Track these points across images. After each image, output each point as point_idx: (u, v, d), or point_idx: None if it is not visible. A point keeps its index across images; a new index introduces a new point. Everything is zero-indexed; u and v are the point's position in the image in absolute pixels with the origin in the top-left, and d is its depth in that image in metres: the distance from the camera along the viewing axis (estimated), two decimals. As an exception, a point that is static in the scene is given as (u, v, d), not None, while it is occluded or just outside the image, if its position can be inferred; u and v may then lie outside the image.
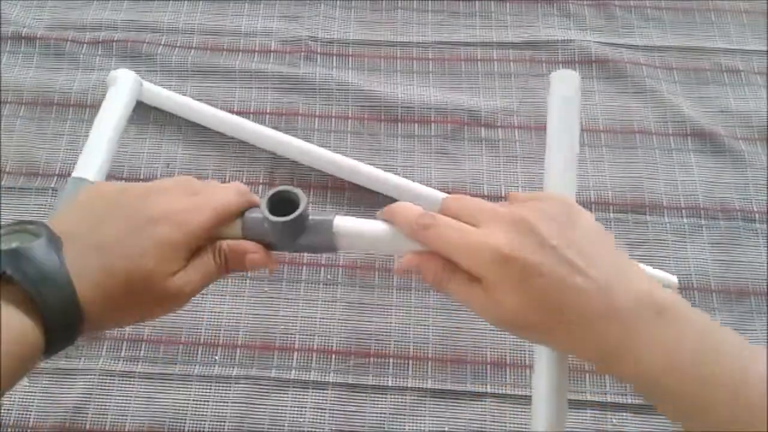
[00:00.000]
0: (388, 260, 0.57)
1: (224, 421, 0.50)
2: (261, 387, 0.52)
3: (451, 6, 0.71)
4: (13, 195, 0.59)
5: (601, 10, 0.70)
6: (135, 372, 0.52)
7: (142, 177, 0.61)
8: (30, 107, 0.64)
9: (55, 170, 0.61)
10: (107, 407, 0.51)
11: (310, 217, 0.34)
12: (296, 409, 0.51)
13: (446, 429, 0.50)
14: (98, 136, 0.46)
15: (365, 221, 0.35)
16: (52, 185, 0.60)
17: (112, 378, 0.52)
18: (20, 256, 0.27)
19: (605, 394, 0.51)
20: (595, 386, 0.52)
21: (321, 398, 0.51)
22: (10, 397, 0.51)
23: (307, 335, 0.54)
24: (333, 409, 0.51)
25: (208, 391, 0.51)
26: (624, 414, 0.51)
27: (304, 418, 0.51)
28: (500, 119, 0.64)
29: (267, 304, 0.55)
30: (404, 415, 0.51)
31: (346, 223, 0.34)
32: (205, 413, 0.51)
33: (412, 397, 0.51)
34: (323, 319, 0.54)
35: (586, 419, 0.51)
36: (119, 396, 0.51)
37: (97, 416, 0.50)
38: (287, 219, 0.33)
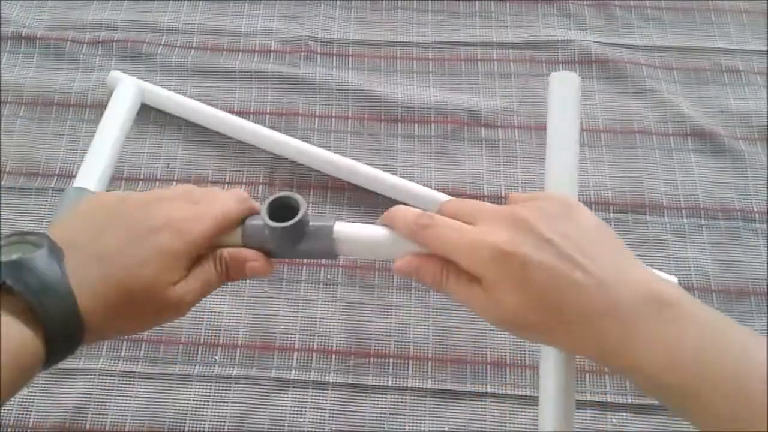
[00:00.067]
0: (388, 260, 0.56)
1: (224, 421, 0.50)
2: (261, 387, 0.52)
3: (451, 6, 0.71)
4: (13, 195, 0.59)
5: (601, 10, 0.70)
6: (135, 372, 0.52)
7: (142, 177, 0.61)
8: (30, 107, 0.64)
9: (55, 170, 0.61)
10: (107, 407, 0.51)
11: (311, 223, 0.34)
12: (296, 409, 0.51)
13: (446, 429, 0.50)
14: (100, 146, 0.46)
15: (365, 226, 0.35)
16: (52, 185, 0.60)
17: (112, 378, 0.52)
18: (22, 267, 0.27)
19: (605, 394, 0.51)
20: (595, 386, 0.52)
21: (321, 398, 0.51)
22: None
23: (307, 335, 0.54)
24: (333, 409, 0.51)
25: (208, 391, 0.51)
26: (624, 414, 0.51)
27: (304, 418, 0.51)
28: (500, 119, 0.64)
29: (267, 304, 0.55)
30: (404, 415, 0.51)
31: (346, 228, 0.34)
32: (205, 413, 0.51)
33: (412, 397, 0.51)
34: (323, 319, 0.54)
35: (586, 419, 0.51)
36: (119, 396, 0.51)
37: (97, 416, 0.50)
38: (287, 225, 0.33)
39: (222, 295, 0.55)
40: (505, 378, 0.52)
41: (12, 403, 0.51)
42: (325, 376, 0.52)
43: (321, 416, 0.51)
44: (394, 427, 0.50)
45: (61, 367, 0.52)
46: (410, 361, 0.53)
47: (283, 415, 0.51)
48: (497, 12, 0.70)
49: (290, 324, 0.54)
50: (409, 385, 0.52)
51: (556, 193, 0.36)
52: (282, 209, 0.34)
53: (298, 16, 0.70)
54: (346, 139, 0.63)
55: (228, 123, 0.61)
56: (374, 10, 0.70)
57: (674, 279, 0.55)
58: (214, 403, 0.51)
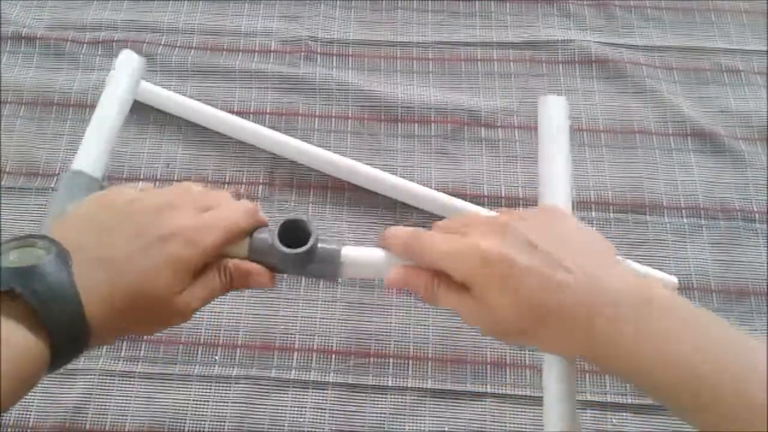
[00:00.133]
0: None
1: (224, 421, 0.50)
2: (261, 387, 0.52)
3: (451, 6, 0.71)
4: (13, 195, 0.59)
5: (601, 10, 0.70)
6: (135, 372, 0.52)
7: (142, 177, 0.61)
8: (30, 107, 0.64)
9: (55, 170, 0.61)
10: (107, 407, 0.51)
11: (320, 246, 0.35)
12: (296, 409, 0.51)
13: (446, 429, 0.50)
14: (99, 127, 0.44)
15: (371, 250, 0.36)
16: (52, 185, 0.60)
17: (112, 378, 0.52)
18: (31, 274, 0.26)
19: (605, 394, 0.51)
20: (595, 386, 0.52)
21: (321, 398, 0.51)
22: (10, 397, 0.51)
23: (307, 335, 0.54)
24: (333, 409, 0.51)
25: (208, 391, 0.51)
26: (624, 414, 0.51)
27: (304, 418, 0.51)
28: (500, 119, 0.64)
29: (267, 304, 0.55)
30: (404, 415, 0.51)
31: (353, 253, 0.35)
32: (205, 413, 0.51)
33: (412, 397, 0.51)
34: (323, 319, 0.54)
35: (586, 419, 0.51)
36: (119, 396, 0.51)
37: (97, 416, 0.50)
38: (299, 251, 0.33)
39: (222, 296, 0.55)
40: (505, 378, 0.52)
41: (12, 403, 0.51)
42: (325, 376, 0.52)
43: (321, 416, 0.51)
44: (394, 427, 0.50)
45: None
46: (410, 361, 0.53)
47: (283, 415, 0.51)
48: (497, 12, 0.70)
49: (290, 324, 0.54)
50: (409, 385, 0.52)
51: (545, 204, 0.37)
52: (292, 230, 0.34)
53: (298, 16, 0.70)
54: (346, 139, 0.63)
55: (228, 123, 0.61)
56: (374, 10, 0.70)
57: (674, 279, 0.55)
58: (214, 403, 0.51)
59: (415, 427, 0.50)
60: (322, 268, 0.35)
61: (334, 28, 0.69)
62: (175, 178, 0.61)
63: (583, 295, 0.29)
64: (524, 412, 0.51)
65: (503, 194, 0.60)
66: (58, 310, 0.27)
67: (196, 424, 0.50)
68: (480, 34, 0.69)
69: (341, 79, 0.65)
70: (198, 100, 0.63)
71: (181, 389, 0.51)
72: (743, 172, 0.61)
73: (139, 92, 0.62)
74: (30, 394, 0.51)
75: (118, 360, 0.52)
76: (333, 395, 0.51)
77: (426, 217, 0.58)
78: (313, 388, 0.52)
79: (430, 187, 0.58)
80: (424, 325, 0.54)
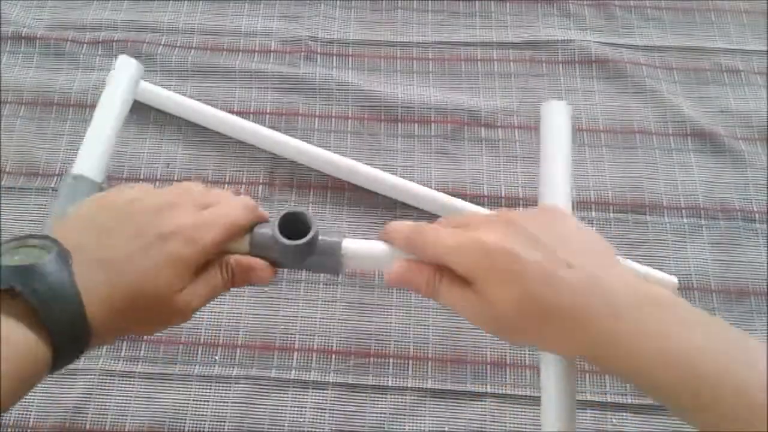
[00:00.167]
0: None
1: (224, 421, 0.50)
2: (261, 387, 0.52)
3: (451, 6, 0.71)
4: (13, 195, 0.59)
5: (601, 10, 0.70)
6: (135, 372, 0.52)
7: (142, 177, 0.61)
8: (30, 107, 0.64)
9: (55, 170, 0.61)
10: (107, 407, 0.51)
11: (320, 238, 0.35)
12: (296, 409, 0.51)
13: (446, 429, 0.50)
14: (99, 129, 0.44)
15: (372, 242, 0.36)
16: (52, 185, 0.60)
17: (112, 378, 0.52)
18: (31, 273, 0.26)
19: (605, 394, 0.51)
20: (595, 386, 0.52)
21: (321, 398, 0.51)
22: (10, 397, 0.51)
23: (307, 335, 0.54)
24: (333, 409, 0.51)
25: (208, 391, 0.51)
26: (624, 414, 0.51)
27: (304, 418, 0.51)
28: (500, 119, 0.64)
29: (267, 304, 0.55)
30: (404, 415, 0.51)
31: (353, 245, 0.35)
32: (205, 413, 0.51)
33: (412, 397, 0.51)
34: (323, 319, 0.54)
35: (586, 419, 0.51)
36: (119, 396, 0.51)
37: (97, 416, 0.50)
38: (299, 243, 0.34)
39: (222, 296, 0.54)
40: (505, 378, 0.52)
41: (12, 403, 0.51)
42: (325, 376, 0.52)
43: (321, 416, 0.51)
44: (394, 427, 0.50)
45: (61, 367, 0.52)
46: (410, 361, 0.53)
47: (283, 415, 0.51)
48: (497, 12, 0.70)
49: (290, 324, 0.54)
50: (409, 385, 0.52)
51: (545, 204, 0.38)
52: (292, 223, 0.34)
53: (298, 16, 0.70)
54: (346, 139, 0.63)
55: (228, 123, 0.61)
56: (374, 10, 0.70)
57: (674, 279, 0.55)
58: (214, 403, 0.51)
59: (415, 427, 0.50)
60: (323, 260, 0.35)
61: (334, 28, 0.69)
62: (175, 178, 0.61)
63: (584, 292, 0.29)
64: (524, 412, 0.51)
65: (503, 194, 0.60)
66: (59, 309, 0.27)
67: (196, 424, 0.50)
68: (480, 34, 0.69)
69: (341, 79, 0.65)
70: (198, 100, 0.63)
71: (181, 389, 0.51)
72: (743, 172, 0.61)
73: (139, 92, 0.62)
74: (30, 394, 0.51)
75: (118, 360, 0.52)
76: (333, 395, 0.51)
77: (426, 217, 0.58)
78: (313, 388, 0.52)
79: (430, 187, 0.58)
80: (424, 325, 0.54)
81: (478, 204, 0.57)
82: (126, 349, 0.53)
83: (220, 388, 0.52)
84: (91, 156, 0.42)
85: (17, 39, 0.67)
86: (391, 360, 0.53)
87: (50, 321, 0.26)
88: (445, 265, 0.32)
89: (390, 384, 0.52)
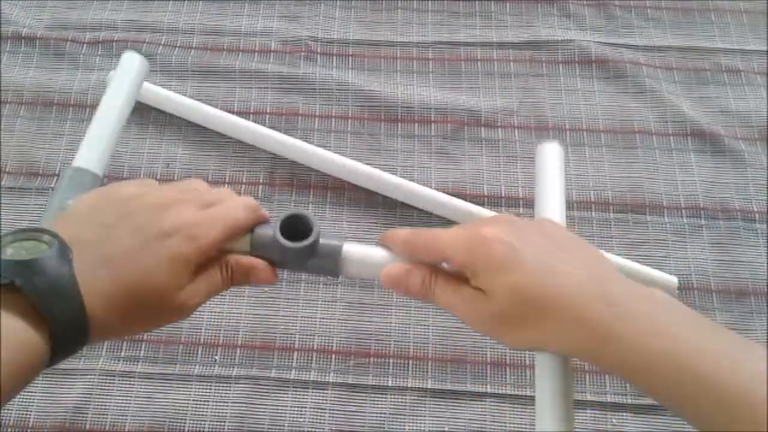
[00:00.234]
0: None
1: (224, 421, 0.50)
2: (261, 387, 0.52)
3: (451, 6, 0.71)
4: (13, 195, 0.59)
5: (601, 10, 0.70)
6: (135, 372, 0.52)
7: (142, 177, 0.61)
8: (30, 107, 0.64)
9: (55, 170, 0.61)
10: (107, 407, 0.51)
11: (321, 241, 0.35)
12: (296, 409, 0.51)
13: (446, 429, 0.50)
14: (103, 123, 0.43)
15: (372, 248, 0.36)
16: (52, 185, 0.60)
17: (112, 378, 0.52)
18: (32, 268, 0.26)
19: (605, 394, 0.51)
20: (595, 386, 0.52)
21: (321, 398, 0.51)
22: (10, 397, 0.51)
23: (307, 335, 0.54)
24: (333, 409, 0.51)
25: (208, 391, 0.51)
26: (624, 414, 0.51)
27: (304, 418, 0.51)
28: (500, 119, 0.64)
29: (267, 304, 0.55)
30: (404, 415, 0.51)
31: (354, 249, 0.35)
32: (205, 413, 0.51)
33: (412, 397, 0.51)
34: (323, 319, 0.54)
35: (586, 419, 0.51)
36: (119, 396, 0.51)
37: (97, 416, 0.50)
38: (300, 245, 0.34)
39: (222, 295, 0.55)
40: (505, 378, 0.52)
41: (12, 402, 0.50)
42: (325, 376, 0.52)
43: (321, 416, 0.51)
44: (394, 427, 0.50)
45: (61, 367, 0.51)
46: (410, 361, 0.53)
47: (283, 415, 0.51)
48: (497, 12, 0.70)
49: (290, 324, 0.54)
50: (409, 385, 0.52)
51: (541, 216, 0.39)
52: (293, 224, 0.34)
53: (298, 16, 0.70)
54: (346, 139, 0.63)
55: (228, 123, 0.61)
56: (374, 10, 0.70)
57: (674, 279, 0.55)
58: (214, 403, 0.51)
59: (415, 427, 0.50)
60: (322, 263, 0.35)
61: (334, 28, 0.69)
62: (175, 178, 0.61)
63: (583, 289, 0.29)
64: (524, 412, 0.51)
65: (503, 194, 0.60)
66: (58, 303, 0.27)
67: (196, 424, 0.50)
68: (480, 34, 0.69)
69: (341, 79, 0.65)
70: (198, 100, 0.63)
71: (181, 389, 0.51)
72: (743, 172, 0.61)
73: (140, 92, 0.62)
74: (30, 394, 0.51)
75: (118, 360, 0.52)
76: (333, 395, 0.51)
77: (426, 217, 0.58)
78: (313, 388, 0.52)
79: (430, 187, 0.58)
80: (424, 325, 0.54)
81: (478, 204, 0.57)
82: (126, 349, 0.53)
83: (220, 388, 0.52)
84: (93, 149, 0.41)
85: (17, 39, 0.67)
86: (391, 360, 0.53)
87: (49, 315, 0.26)
88: (444, 259, 0.32)
89: (390, 384, 0.52)
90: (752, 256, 0.57)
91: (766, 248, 0.57)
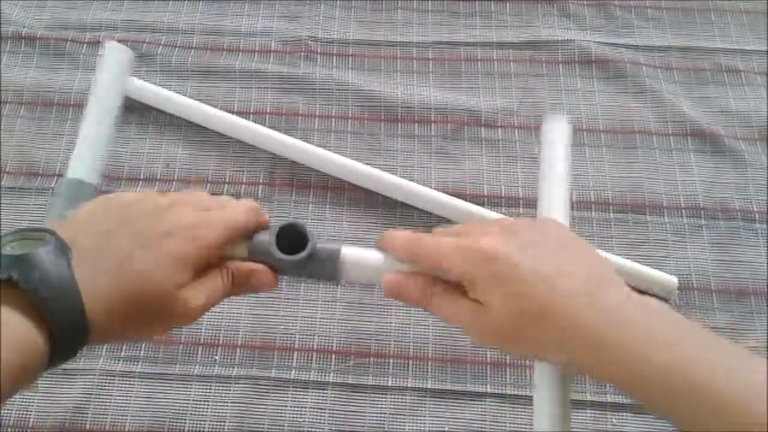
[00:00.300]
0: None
1: (224, 421, 0.50)
2: (261, 387, 0.52)
3: (451, 6, 0.71)
4: (13, 195, 0.59)
5: (601, 10, 0.70)
6: (135, 372, 0.52)
7: (142, 177, 0.61)
8: (30, 107, 0.64)
9: (55, 170, 0.61)
10: (107, 407, 0.51)
11: (319, 246, 0.35)
12: (296, 409, 0.51)
13: (446, 429, 0.50)
14: (91, 129, 0.42)
15: (371, 251, 0.35)
16: (52, 185, 0.60)
17: (112, 378, 0.52)
18: (27, 262, 0.26)
19: (605, 394, 0.51)
20: (595, 386, 0.52)
21: (321, 398, 0.51)
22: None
23: (307, 335, 0.54)
24: (333, 409, 0.51)
25: (208, 391, 0.51)
26: (624, 414, 0.51)
27: (304, 418, 0.51)
28: (500, 119, 0.64)
29: (267, 304, 0.55)
30: (404, 415, 0.51)
31: (352, 253, 0.35)
32: (205, 413, 0.51)
33: (412, 397, 0.51)
34: (323, 319, 0.54)
35: (586, 419, 0.51)
36: (119, 396, 0.51)
37: (97, 416, 0.50)
38: (295, 258, 0.34)
39: (225, 299, 0.55)
40: (505, 378, 0.52)
41: (12, 403, 0.51)
42: (325, 376, 0.52)
43: (321, 416, 0.51)
44: (394, 427, 0.50)
45: (61, 367, 0.52)
46: (410, 361, 0.53)
47: (283, 415, 0.51)
48: (497, 12, 0.70)
49: (290, 324, 0.54)
50: (409, 385, 0.52)
51: (544, 216, 0.38)
52: (290, 232, 0.34)
53: (298, 16, 0.70)
54: (346, 139, 0.63)
55: (228, 123, 0.61)
56: (374, 10, 0.70)
57: (674, 279, 0.55)
58: (214, 403, 0.51)
59: (415, 427, 0.50)
60: (321, 268, 0.35)
61: (334, 28, 0.69)
62: (175, 178, 0.61)
63: (580, 295, 0.29)
64: (524, 412, 0.51)
65: (503, 194, 0.60)
66: (56, 299, 0.27)
67: (196, 424, 0.50)
68: (480, 34, 0.69)
69: (341, 79, 0.65)
70: (198, 100, 0.63)
71: (181, 389, 0.51)
72: (743, 172, 0.61)
73: (140, 92, 0.63)
74: (30, 394, 0.51)
75: (118, 360, 0.52)
76: (333, 395, 0.51)
77: (426, 217, 0.58)
78: (313, 388, 0.52)
79: (430, 187, 0.58)
80: (424, 325, 0.54)
81: (478, 204, 0.57)
82: (126, 349, 0.53)
83: (220, 388, 0.52)
84: (84, 158, 0.41)
85: (17, 39, 0.67)
86: (391, 360, 0.53)
87: (47, 310, 0.26)
88: (442, 270, 0.32)
89: (390, 384, 0.52)
90: (752, 256, 0.57)
91: (766, 248, 0.57)
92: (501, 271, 0.30)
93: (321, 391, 0.52)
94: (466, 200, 0.57)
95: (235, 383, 0.52)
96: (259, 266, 0.34)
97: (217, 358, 0.53)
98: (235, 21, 0.69)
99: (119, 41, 0.66)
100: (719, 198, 0.60)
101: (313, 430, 0.50)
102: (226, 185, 0.60)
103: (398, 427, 0.50)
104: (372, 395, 0.52)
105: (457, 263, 0.31)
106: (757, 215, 0.59)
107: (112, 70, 0.44)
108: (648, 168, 0.61)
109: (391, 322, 0.54)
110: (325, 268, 0.35)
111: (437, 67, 0.67)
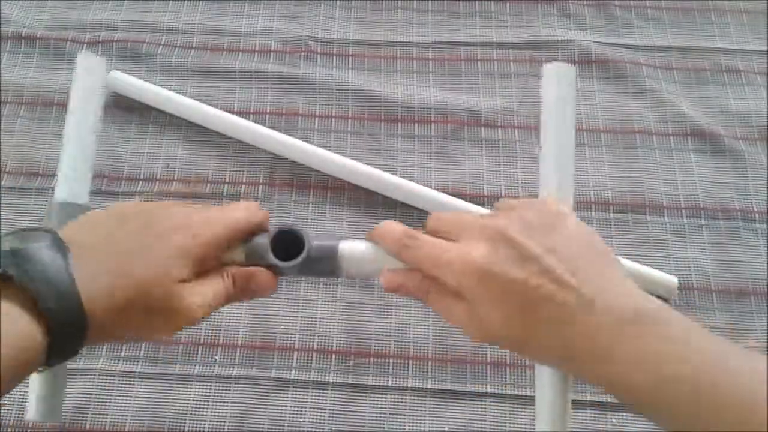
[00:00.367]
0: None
1: (224, 421, 0.50)
2: (261, 387, 0.52)
3: (451, 6, 0.71)
4: (13, 195, 0.59)
5: (601, 10, 0.70)
6: (135, 372, 0.52)
7: (142, 177, 0.61)
8: (30, 107, 0.64)
9: (55, 170, 0.60)
10: (107, 407, 0.51)
11: (316, 243, 0.35)
12: (296, 409, 0.51)
13: (446, 429, 0.50)
14: (73, 148, 0.40)
15: (369, 244, 0.35)
16: (52, 185, 0.60)
17: (112, 378, 0.52)
18: (21, 256, 0.27)
19: (605, 394, 0.51)
20: (596, 387, 0.52)
21: (321, 398, 0.51)
22: (10, 397, 0.51)
23: (307, 335, 0.54)
24: (333, 409, 0.51)
25: (208, 391, 0.51)
26: (624, 414, 0.51)
27: (304, 418, 0.51)
28: (500, 119, 0.64)
29: (267, 304, 0.55)
30: (404, 415, 0.51)
31: (350, 247, 0.35)
32: (205, 413, 0.51)
33: (412, 397, 0.51)
34: (323, 319, 0.54)
35: (586, 419, 0.51)
36: (119, 396, 0.51)
37: (97, 416, 0.50)
38: (291, 264, 0.34)
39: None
40: (505, 378, 0.52)
41: (12, 403, 0.51)
42: (325, 376, 0.52)
43: (321, 416, 0.51)
44: (394, 427, 0.50)
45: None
46: (410, 361, 0.53)
47: (283, 415, 0.51)
48: (497, 12, 0.70)
49: (290, 324, 0.54)
50: (409, 385, 0.52)
51: (542, 200, 0.35)
52: (287, 235, 0.34)
53: (298, 16, 0.70)
54: (346, 139, 0.63)
55: (228, 123, 0.61)
56: (374, 10, 0.70)
57: (674, 279, 0.55)
58: (214, 403, 0.51)
59: (415, 427, 0.50)
60: (320, 265, 0.35)
61: (334, 28, 0.69)
62: (175, 178, 0.61)
63: (579, 315, 0.28)
64: (524, 412, 0.51)
65: (503, 194, 0.60)
66: (53, 293, 0.27)
67: (196, 424, 0.50)
68: (480, 34, 0.69)
69: (341, 79, 0.65)
70: (198, 100, 0.63)
71: (181, 389, 0.51)
72: (743, 172, 0.61)
73: (140, 92, 0.63)
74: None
75: (118, 360, 0.52)
76: (333, 395, 0.51)
77: (426, 217, 0.58)
78: (313, 388, 0.52)
79: (430, 187, 0.58)
80: (424, 325, 0.54)
81: (478, 204, 0.57)
82: (126, 349, 0.53)
83: (220, 388, 0.52)
84: (71, 178, 0.39)
85: (17, 39, 0.67)
86: (391, 360, 0.53)
87: (44, 305, 0.26)
88: (437, 277, 0.32)
89: (390, 384, 0.52)
90: (752, 256, 0.57)
91: (766, 248, 0.57)
92: (492, 287, 0.29)
93: (321, 391, 0.52)
94: (466, 200, 0.57)
95: (235, 383, 0.52)
96: (259, 268, 0.34)
97: (217, 358, 0.53)
98: (235, 21, 0.69)
99: (119, 41, 0.67)
100: (719, 198, 0.60)
101: (313, 430, 0.50)
102: (226, 185, 0.60)
103: (398, 427, 0.50)
104: (372, 395, 0.52)
105: (448, 277, 0.31)
106: (757, 215, 0.59)
107: (87, 83, 0.41)
108: (648, 168, 0.61)
109: (391, 322, 0.54)
110: (323, 266, 0.35)
111: (437, 67, 0.67)
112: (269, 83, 0.65)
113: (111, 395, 0.51)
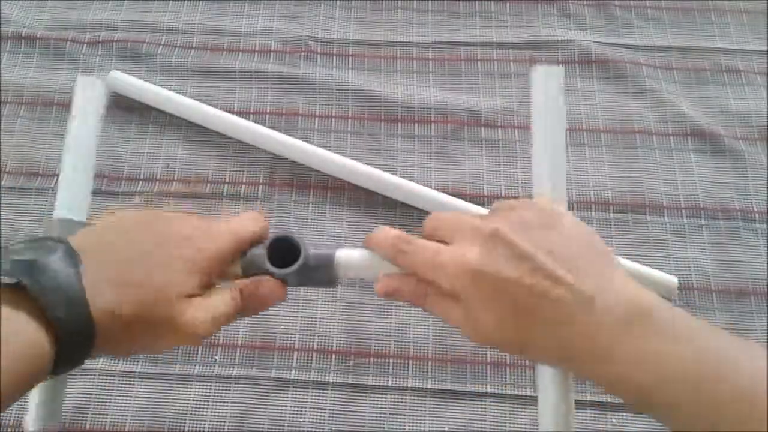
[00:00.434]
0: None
1: (224, 421, 0.50)
2: (261, 387, 0.52)
3: (451, 6, 0.71)
4: (13, 195, 0.59)
5: (601, 10, 0.70)
6: (135, 372, 0.52)
7: (142, 177, 0.61)
8: (30, 107, 0.64)
9: (55, 170, 0.61)
10: (107, 407, 0.51)
11: (313, 252, 0.34)
12: (296, 409, 0.51)
13: (446, 429, 0.50)
14: (73, 166, 0.40)
15: (367, 253, 0.35)
16: (52, 185, 0.60)
17: (112, 378, 0.52)
18: (36, 267, 0.27)
19: (605, 394, 0.51)
20: (595, 386, 0.52)
21: (321, 398, 0.51)
22: (10, 397, 0.51)
23: (307, 335, 0.54)
24: (333, 409, 0.51)
25: (208, 391, 0.51)
26: (624, 414, 0.51)
27: (304, 418, 0.51)
28: (500, 119, 0.64)
29: (267, 304, 0.55)
30: (404, 415, 0.51)
31: (347, 255, 0.35)
32: (205, 413, 0.51)
33: (412, 397, 0.51)
34: (323, 319, 0.54)
35: (586, 419, 0.51)
36: (119, 396, 0.51)
37: (97, 416, 0.50)
38: (288, 271, 0.34)
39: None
40: (505, 378, 0.52)
41: (12, 403, 0.51)
42: (325, 376, 0.52)
43: (321, 416, 0.51)
44: (394, 427, 0.50)
45: (61, 367, 0.52)
46: (410, 361, 0.53)
47: (283, 415, 0.51)
48: (497, 12, 0.70)
49: (290, 324, 0.54)
50: (409, 385, 0.52)
51: (537, 200, 0.35)
52: (283, 243, 0.34)
53: (298, 16, 0.70)
54: (346, 139, 0.63)
55: (228, 123, 0.61)
56: (374, 10, 0.70)
57: (674, 279, 0.55)
58: (214, 403, 0.51)
59: (415, 427, 0.50)
60: (317, 275, 0.35)
61: (334, 28, 0.69)
62: (175, 178, 0.61)
63: (577, 315, 0.28)
64: (524, 412, 0.51)
65: (503, 194, 0.60)
66: (63, 304, 0.27)
67: (196, 424, 0.50)
68: (480, 34, 0.69)
69: (341, 79, 0.65)
70: (198, 100, 0.63)
71: (181, 389, 0.51)
72: (743, 172, 0.61)
73: (140, 92, 0.63)
74: (30, 394, 0.51)
75: (118, 360, 0.52)
76: (333, 395, 0.51)
77: (426, 217, 0.58)
78: (313, 388, 0.52)
79: (430, 187, 0.58)
80: (424, 325, 0.54)
81: (478, 204, 0.57)
82: (126, 349, 0.53)
83: (220, 388, 0.52)
84: (70, 195, 0.39)
85: (17, 39, 0.67)
86: (391, 360, 0.53)
87: (54, 315, 0.26)
88: (432, 281, 0.31)
89: (390, 384, 0.52)
90: (752, 256, 0.57)
91: (766, 248, 0.57)
92: (487, 289, 0.29)
93: (321, 391, 0.52)
94: (466, 200, 0.57)
95: (235, 383, 0.52)
96: (266, 277, 0.34)
97: (217, 358, 0.53)
98: (235, 21, 0.69)
99: (119, 41, 0.67)
100: (719, 198, 0.60)
101: (313, 430, 0.50)
102: (226, 185, 0.60)
103: (398, 427, 0.50)
104: (372, 395, 0.52)
105: (444, 280, 0.30)
106: (757, 215, 0.59)
107: (90, 104, 0.41)
108: (648, 168, 0.61)
109: (391, 322, 0.54)
110: (321, 274, 0.35)
111: (437, 67, 0.67)
112: (269, 83, 0.65)
113: (111, 395, 0.51)
